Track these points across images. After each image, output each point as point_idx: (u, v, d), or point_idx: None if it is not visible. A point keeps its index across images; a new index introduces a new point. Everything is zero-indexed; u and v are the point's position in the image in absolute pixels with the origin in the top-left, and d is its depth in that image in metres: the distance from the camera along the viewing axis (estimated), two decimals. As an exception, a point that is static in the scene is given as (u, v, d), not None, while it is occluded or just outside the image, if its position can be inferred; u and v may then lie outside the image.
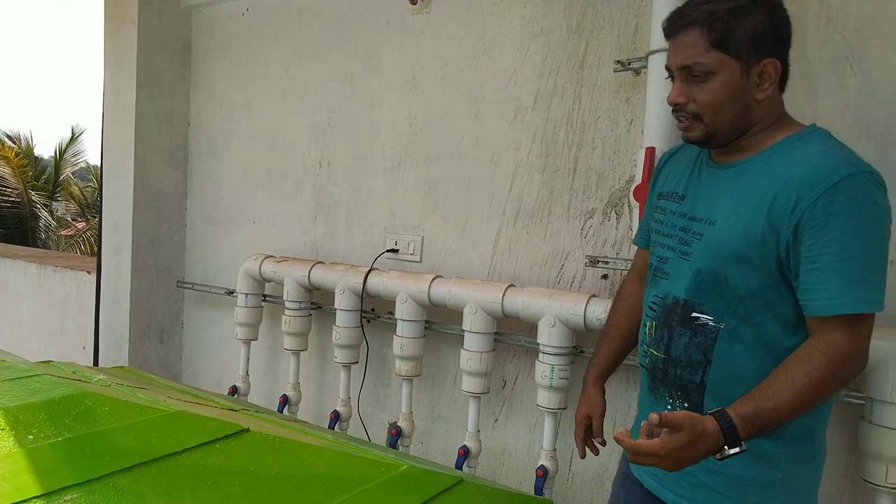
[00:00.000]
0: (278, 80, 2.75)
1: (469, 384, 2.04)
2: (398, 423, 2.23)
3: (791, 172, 1.10)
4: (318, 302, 2.56)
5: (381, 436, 2.42)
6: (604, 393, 1.44)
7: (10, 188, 11.93)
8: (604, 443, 1.41)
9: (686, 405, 1.19)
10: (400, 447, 2.23)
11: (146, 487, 0.97)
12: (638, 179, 1.69)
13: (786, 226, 1.08)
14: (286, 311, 2.50)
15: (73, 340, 3.70)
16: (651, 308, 1.27)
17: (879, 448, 1.48)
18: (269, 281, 2.61)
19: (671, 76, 1.19)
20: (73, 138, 13.24)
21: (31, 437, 0.97)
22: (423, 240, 2.34)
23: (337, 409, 2.38)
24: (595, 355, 1.47)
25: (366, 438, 2.38)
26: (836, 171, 1.06)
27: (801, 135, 1.16)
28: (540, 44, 2.05)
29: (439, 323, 2.21)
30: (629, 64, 1.82)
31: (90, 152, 13.61)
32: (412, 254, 2.36)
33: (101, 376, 1.37)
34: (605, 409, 1.42)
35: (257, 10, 2.83)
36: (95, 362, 3.25)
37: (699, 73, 1.13)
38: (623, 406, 1.93)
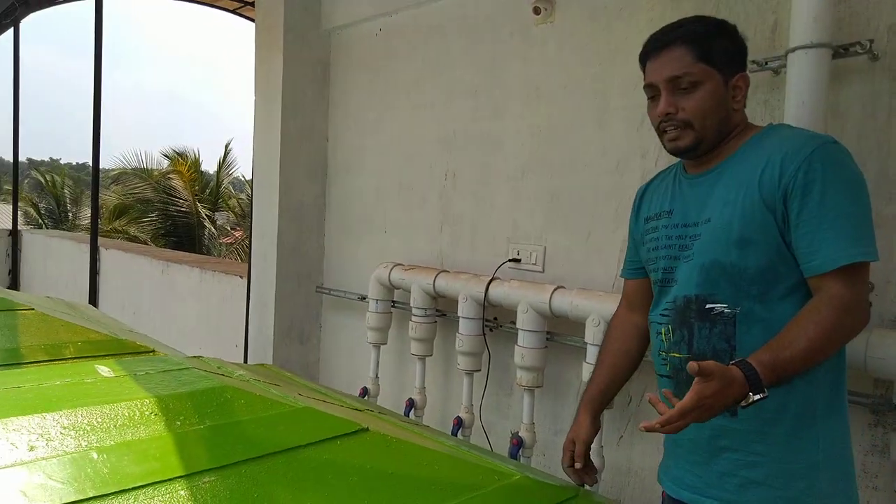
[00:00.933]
0: (407, 96, 2.87)
1: (591, 397, 1.99)
2: (519, 434, 2.23)
3: (769, 152, 1.21)
4: (442, 309, 2.62)
5: (503, 445, 2.43)
6: (595, 420, 1.43)
7: (181, 199, 13.35)
8: (594, 469, 1.43)
9: None
10: (521, 458, 2.23)
11: (273, 476, 1.04)
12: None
13: (778, 198, 1.17)
14: (413, 317, 2.59)
15: (227, 339, 4.07)
16: (663, 315, 1.33)
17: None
18: (397, 288, 2.72)
19: (653, 96, 1.31)
20: (227, 153, 14.56)
21: (178, 423, 1.08)
22: (546, 250, 2.33)
23: (460, 415, 2.42)
24: (588, 383, 1.49)
25: (487, 446, 2.40)
26: (808, 144, 1.18)
27: (765, 131, 1.29)
28: None
29: (561, 334, 2.18)
30: (766, 63, 1.71)
31: (241, 165, 14.90)
32: (534, 264, 2.36)
33: (242, 372, 1.49)
34: (592, 436, 1.41)
35: (390, 30, 2.97)
36: (245, 360, 3.55)
37: (687, 83, 1.25)
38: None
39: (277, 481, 1.04)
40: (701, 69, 1.25)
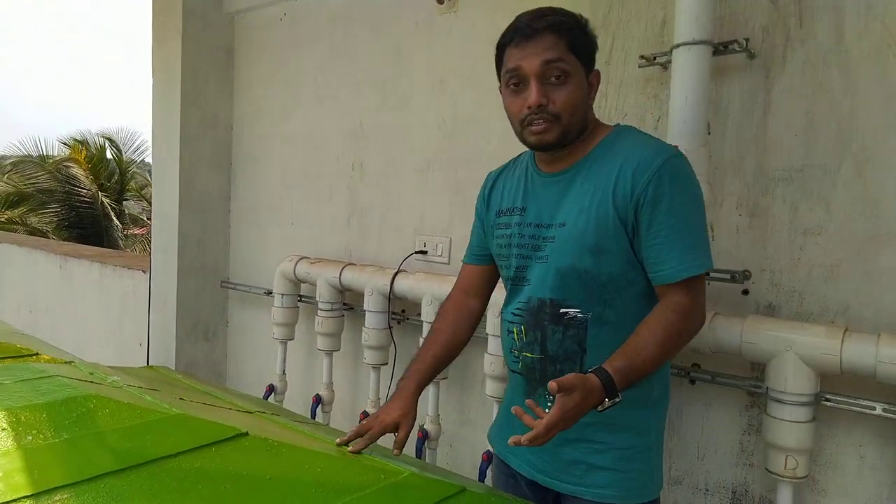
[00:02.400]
0: (313, 85, 2.79)
1: (493, 389, 2.01)
2: (424, 426, 2.22)
3: (620, 163, 1.23)
4: (349, 303, 2.58)
5: (410, 437, 2.42)
6: (417, 400, 1.41)
7: (83, 189, 12.60)
8: (399, 454, 1.35)
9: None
10: (427, 450, 2.23)
11: (135, 489, 0.99)
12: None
13: (630, 210, 1.21)
14: (319, 312, 2.53)
15: (130, 337, 3.87)
16: (515, 314, 1.35)
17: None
18: (303, 282, 2.65)
19: (518, 83, 1.25)
20: (125, 139, 13.86)
21: (30, 437, 1.00)
22: (451, 242, 2.32)
23: (366, 409, 2.39)
24: (415, 362, 1.46)
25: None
26: (657, 156, 1.21)
27: (615, 133, 1.31)
28: None
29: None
30: (654, 59, 1.75)
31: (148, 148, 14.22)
32: (440, 255, 2.35)
33: (116, 377, 1.41)
34: (414, 422, 1.38)
35: (294, 15, 2.88)
36: (147, 359, 3.40)
37: (559, 73, 1.22)
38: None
39: (140, 494, 0.98)
40: (572, 60, 1.23)
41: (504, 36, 1.29)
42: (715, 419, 1.73)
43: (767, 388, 1.51)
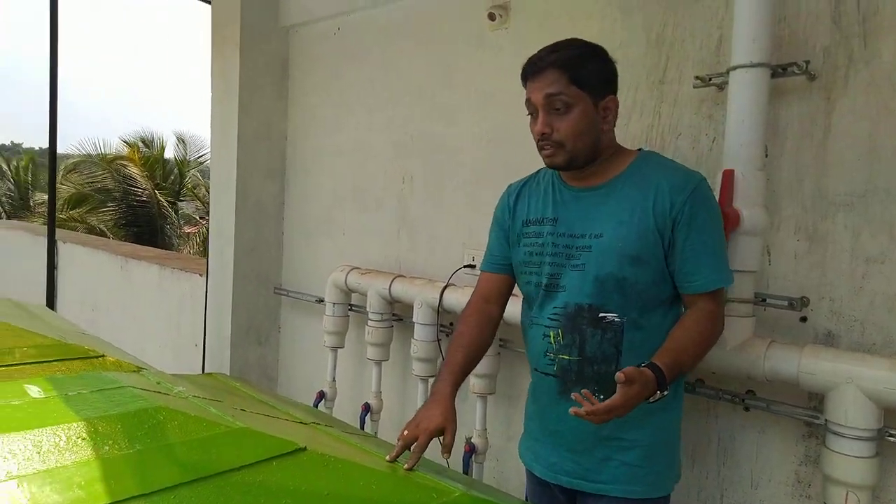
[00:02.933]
0: (364, 97, 2.85)
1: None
2: (472, 440, 2.25)
3: (657, 184, 1.38)
4: (399, 314, 2.62)
5: (457, 450, 2.44)
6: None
7: (140, 188, 13.07)
8: (449, 455, 1.38)
9: (602, 396, 1.31)
10: (473, 464, 2.25)
11: (203, 501, 1.04)
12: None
13: (668, 226, 1.36)
14: (369, 322, 2.59)
15: (186, 338, 4.01)
16: (552, 319, 1.45)
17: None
18: (354, 291, 2.71)
19: (533, 113, 1.43)
20: (182, 142, 14.27)
21: (107, 447, 1.06)
22: (500, 256, 2.34)
23: (413, 420, 2.43)
24: (446, 366, 1.50)
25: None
26: (689, 180, 1.38)
27: (642, 157, 1.46)
28: (618, 58, 1.95)
29: (513, 341, 2.20)
30: (710, 80, 1.73)
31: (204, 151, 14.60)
32: (489, 270, 2.36)
33: (182, 388, 1.48)
34: (456, 424, 1.41)
35: (347, 29, 2.95)
36: (203, 360, 3.51)
37: (560, 105, 1.38)
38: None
39: (208, 507, 1.03)
40: (573, 91, 1.38)
41: (522, 70, 1.47)
42: (770, 448, 1.71)
43: (826, 419, 1.47)
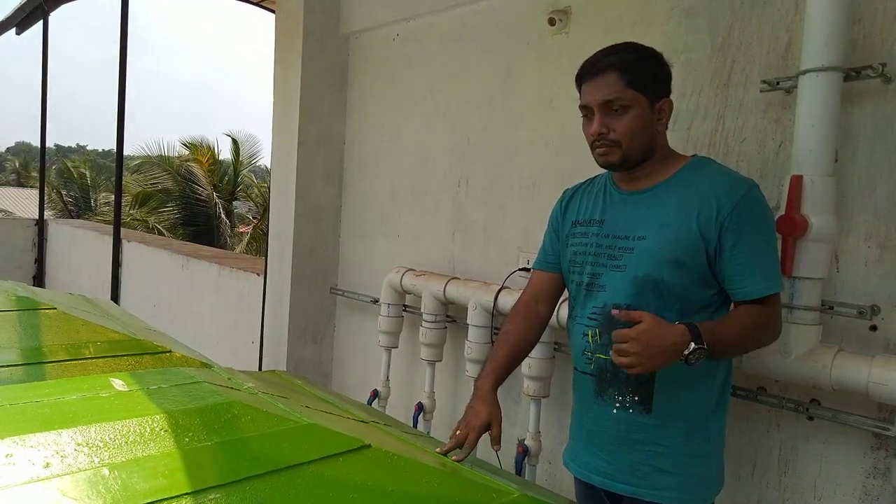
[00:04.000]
0: (423, 102, 2.89)
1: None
2: (525, 442, 2.25)
3: (704, 189, 1.38)
4: (453, 315, 2.65)
5: (510, 451, 2.46)
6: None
7: (201, 189, 13.52)
8: (499, 448, 1.46)
9: (636, 398, 1.40)
10: (527, 466, 2.26)
11: (276, 493, 1.08)
12: (782, 209, 1.57)
13: (713, 231, 1.35)
14: (423, 323, 2.62)
15: (243, 335, 4.14)
16: (591, 318, 1.47)
17: None
18: (409, 293, 2.75)
19: (588, 115, 1.46)
20: (236, 146, 14.64)
21: (187, 439, 1.12)
22: (556, 260, 2.34)
23: (467, 421, 2.45)
24: (490, 362, 1.54)
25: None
26: (739, 186, 1.37)
27: (694, 162, 1.47)
28: (682, 62, 1.97)
29: (568, 345, 2.20)
30: (777, 83, 1.70)
31: (256, 153, 14.99)
32: (545, 273, 2.37)
33: (251, 384, 1.53)
34: (501, 417, 1.46)
35: (407, 35, 2.99)
36: (260, 357, 3.62)
37: (618, 107, 1.40)
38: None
39: (280, 498, 1.07)
40: (631, 94, 1.39)
41: (578, 72, 1.50)
42: (835, 459, 1.66)
43: (897, 431, 1.44)
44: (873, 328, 1.59)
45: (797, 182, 1.53)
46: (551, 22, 2.29)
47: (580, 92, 1.49)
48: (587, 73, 1.46)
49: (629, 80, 1.40)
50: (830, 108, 1.53)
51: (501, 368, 1.55)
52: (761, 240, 1.36)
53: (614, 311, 1.28)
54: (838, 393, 1.55)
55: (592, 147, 1.47)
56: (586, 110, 1.47)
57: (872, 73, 1.54)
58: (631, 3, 2.12)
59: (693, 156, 1.50)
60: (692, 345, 1.24)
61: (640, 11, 2.09)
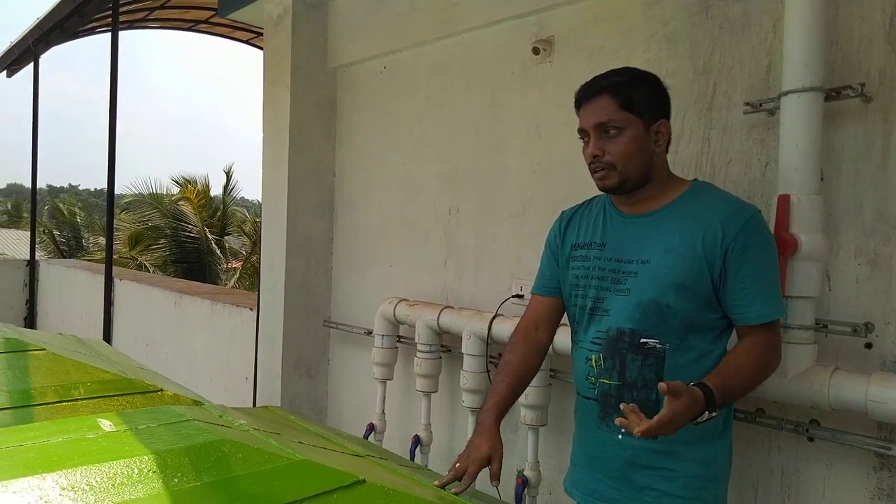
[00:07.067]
0: (411, 132, 2.91)
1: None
2: (524, 473, 2.22)
3: (709, 214, 1.38)
4: (447, 345, 2.63)
5: (509, 482, 2.42)
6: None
7: (191, 225, 13.50)
8: (498, 483, 1.43)
9: None
10: (527, 496, 2.22)
11: (268, 533, 1.05)
12: (771, 229, 1.57)
13: (718, 255, 1.35)
14: (418, 353, 2.60)
15: (237, 371, 4.09)
16: (594, 343, 1.46)
17: None
18: (402, 323, 2.73)
19: (585, 138, 1.46)
20: (229, 178, 14.70)
21: (176, 480, 1.09)
22: (549, 286, 2.33)
23: (465, 452, 2.41)
24: (491, 395, 1.52)
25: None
26: (742, 212, 1.38)
27: (695, 187, 1.47)
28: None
29: (564, 372, 2.18)
30: (760, 105, 1.72)
31: (243, 187, 15.00)
32: (538, 300, 2.36)
33: (243, 420, 1.51)
34: (502, 452, 1.44)
35: (394, 67, 3.03)
36: (254, 393, 3.57)
37: (612, 129, 1.40)
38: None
39: (272, 538, 1.05)
40: (623, 116, 1.40)
41: (575, 97, 1.51)
42: (838, 481, 1.64)
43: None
44: (868, 345, 1.58)
45: (785, 201, 1.54)
46: (535, 51, 2.32)
47: (578, 115, 1.50)
48: (583, 96, 1.47)
49: (621, 102, 1.40)
50: (813, 127, 1.54)
51: (503, 402, 1.53)
52: (765, 265, 1.37)
53: (661, 386, 1.19)
54: (837, 413, 1.54)
55: (590, 170, 1.48)
56: (583, 133, 1.47)
57: (852, 93, 1.56)
58: (613, 30, 2.16)
59: (693, 180, 1.50)
60: (706, 413, 1.24)
61: (622, 39, 2.12)
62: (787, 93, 1.57)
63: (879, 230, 1.58)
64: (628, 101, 1.41)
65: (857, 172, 1.62)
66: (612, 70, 1.49)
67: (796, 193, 1.54)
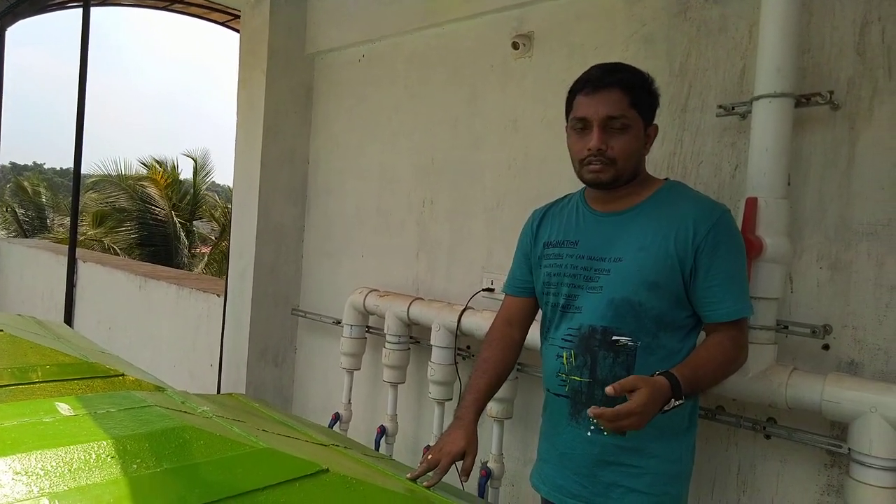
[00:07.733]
0: (388, 122, 2.89)
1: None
2: (488, 465, 2.23)
3: (681, 213, 1.39)
4: (416, 336, 2.63)
5: (472, 473, 2.42)
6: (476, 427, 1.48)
7: (158, 208, 13.23)
8: (467, 479, 1.44)
9: None
10: (489, 489, 2.23)
11: (228, 521, 1.04)
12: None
13: (689, 253, 1.37)
14: (386, 344, 2.59)
15: (202, 357, 4.04)
16: (566, 340, 1.46)
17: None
18: (372, 314, 2.72)
19: (582, 127, 1.42)
20: (197, 163, 14.42)
21: (135, 466, 1.07)
22: (519, 281, 2.35)
23: (430, 444, 2.42)
24: (469, 391, 1.53)
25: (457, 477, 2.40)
26: (714, 211, 1.40)
27: (668, 186, 1.48)
28: None
29: (531, 366, 2.20)
30: (732, 108, 1.75)
31: (217, 172, 14.69)
32: (508, 294, 2.37)
33: (206, 407, 1.49)
34: (477, 450, 1.46)
35: (372, 56, 3.00)
36: (219, 380, 3.53)
37: (620, 125, 1.39)
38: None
39: (232, 526, 1.03)
40: (633, 114, 1.40)
41: (576, 84, 1.46)
42: (791, 477, 1.68)
43: (850, 448, 1.46)
44: (826, 347, 1.63)
45: (752, 204, 1.56)
46: (515, 46, 2.32)
47: (573, 104, 1.46)
48: (591, 85, 1.42)
49: (632, 100, 1.40)
50: (783, 132, 1.57)
51: (482, 398, 1.55)
52: (735, 263, 1.38)
53: (608, 390, 1.21)
54: (793, 411, 1.58)
55: (582, 163, 1.44)
56: (583, 123, 1.42)
57: (821, 101, 1.59)
58: (593, 28, 2.16)
59: (666, 179, 1.51)
60: (673, 401, 1.26)
61: (602, 37, 2.13)
62: (759, 97, 1.59)
63: (841, 236, 1.62)
64: (637, 100, 1.40)
65: (823, 179, 1.65)
66: (618, 64, 1.47)
67: (764, 197, 1.57)
